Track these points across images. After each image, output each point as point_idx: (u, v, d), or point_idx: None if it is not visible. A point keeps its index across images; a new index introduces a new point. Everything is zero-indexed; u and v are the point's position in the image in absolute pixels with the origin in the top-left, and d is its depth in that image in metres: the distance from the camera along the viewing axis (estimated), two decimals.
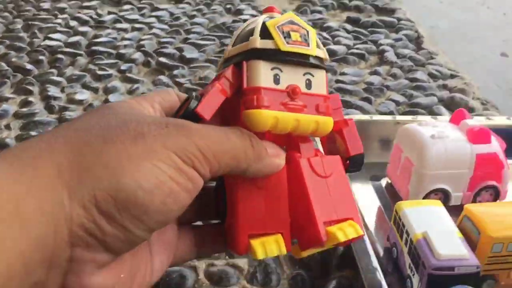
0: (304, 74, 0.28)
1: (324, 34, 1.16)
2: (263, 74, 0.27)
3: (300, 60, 0.28)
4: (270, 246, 0.26)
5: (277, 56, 0.27)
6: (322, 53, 0.29)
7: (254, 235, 0.27)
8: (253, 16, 1.27)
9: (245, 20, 1.17)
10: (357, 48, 1.09)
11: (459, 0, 1.71)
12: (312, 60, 0.28)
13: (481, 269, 0.41)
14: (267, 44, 0.27)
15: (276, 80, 0.27)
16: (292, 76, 0.28)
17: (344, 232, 0.26)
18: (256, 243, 0.26)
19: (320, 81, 0.29)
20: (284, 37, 0.27)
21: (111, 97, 0.82)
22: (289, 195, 0.28)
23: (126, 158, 0.23)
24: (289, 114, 0.27)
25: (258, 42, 0.27)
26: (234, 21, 1.20)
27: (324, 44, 1.12)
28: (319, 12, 1.30)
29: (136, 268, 0.26)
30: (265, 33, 0.27)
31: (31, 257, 0.20)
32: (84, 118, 0.26)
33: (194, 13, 1.22)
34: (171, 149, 0.24)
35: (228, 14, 1.26)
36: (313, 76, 0.29)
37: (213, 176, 0.26)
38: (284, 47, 0.27)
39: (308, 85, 0.28)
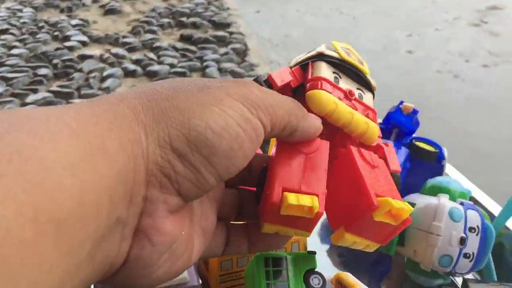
0: (357, 88, 0.31)
1: (151, 54, 1.13)
2: (326, 72, 0.29)
3: (357, 72, 0.31)
4: (303, 198, 0.26)
5: (339, 63, 0.30)
6: (373, 81, 0.32)
7: (289, 190, 0.27)
8: (82, 42, 1.23)
9: (70, 48, 1.25)
10: (181, 67, 1.06)
11: (314, 8, 1.75)
12: (366, 78, 0.31)
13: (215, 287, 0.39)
14: (332, 53, 0.30)
15: (336, 82, 0.30)
16: (347, 85, 0.30)
17: (395, 201, 0.26)
18: (289, 194, 0.26)
19: (369, 101, 0.31)
20: (346, 53, 0.31)
21: None
22: (337, 180, 0.29)
23: (195, 103, 0.24)
24: (346, 106, 0.29)
25: (324, 49, 0.30)
26: (57, 49, 1.15)
27: (148, 65, 1.09)
28: (154, 32, 1.27)
29: (188, 238, 0.26)
30: (330, 47, 0.31)
31: (116, 190, 0.20)
32: (160, 81, 0.26)
33: (16, 43, 1.15)
34: (236, 98, 0.24)
35: (55, 41, 1.20)
36: (364, 93, 0.31)
37: (272, 133, 0.26)
38: (346, 57, 0.30)
39: (360, 97, 0.30)
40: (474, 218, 0.34)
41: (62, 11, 1.44)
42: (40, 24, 1.32)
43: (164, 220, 0.23)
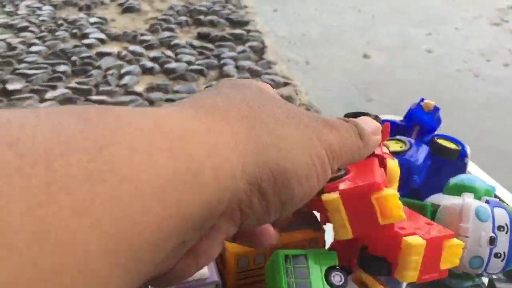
0: None
1: (169, 52, 1.13)
2: None
3: None
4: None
5: None
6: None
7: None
8: (100, 40, 1.23)
9: (89, 45, 1.26)
10: (198, 64, 1.07)
11: (331, 6, 1.74)
12: None
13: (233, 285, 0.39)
14: None
15: None
16: None
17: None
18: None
19: None
20: None
21: None
22: None
23: (292, 143, 0.24)
24: None
25: None
26: (76, 46, 1.16)
27: (166, 62, 1.09)
28: (171, 30, 1.27)
29: None
30: None
31: (195, 218, 0.20)
32: (240, 91, 0.26)
33: (35, 41, 1.16)
34: (323, 146, 0.25)
35: (74, 39, 1.21)
36: None
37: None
38: None
39: None
40: (502, 216, 0.33)
41: (80, 9, 1.45)
42: (59, 22, 1.33)
43: (216, 246, 0.24)
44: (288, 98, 0.89)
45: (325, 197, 0.28)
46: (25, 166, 0.14)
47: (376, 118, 0.31)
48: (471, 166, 0.49)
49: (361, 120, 0.30)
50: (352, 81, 1.11)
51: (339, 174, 0.29)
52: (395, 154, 0.39)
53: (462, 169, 0.46)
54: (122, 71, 1.06)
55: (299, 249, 0.31)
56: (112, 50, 1.15)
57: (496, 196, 0.45)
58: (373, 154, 0.31)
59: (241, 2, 1.49)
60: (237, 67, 1.05)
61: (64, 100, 0.93)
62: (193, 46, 1.17)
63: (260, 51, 1.14)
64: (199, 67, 1.06)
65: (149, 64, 1.08)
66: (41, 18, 1.34)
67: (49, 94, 0.95)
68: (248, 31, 1.24)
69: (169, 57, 1.12)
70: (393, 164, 0.31)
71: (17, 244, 0.13)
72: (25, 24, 1.29)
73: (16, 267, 0.13)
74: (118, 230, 0.16)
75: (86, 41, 1.20)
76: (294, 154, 0.23)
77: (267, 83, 0.81)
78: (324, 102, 0.95)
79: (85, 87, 0.98)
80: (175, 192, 0.19)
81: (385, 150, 0.32)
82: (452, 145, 0.46)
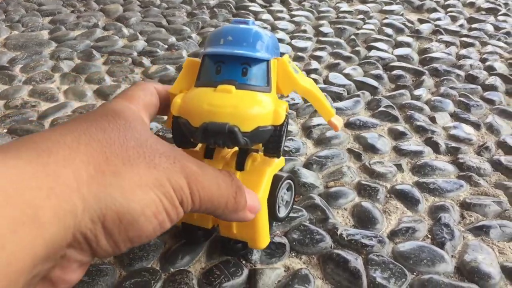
0: None
1: None
2: None
3: None
4: None
5: None
6: None
7: None
8: None
9: None
10: None
11: None
12: None
13: None
14: None
15: None
16: None
17: None
18: None
19: None
20: None
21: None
22: None
23: (138, 184, 0.25)
24: None
25: None
26: None
27: None
28: None
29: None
30: None
31: (41, 255, 0.21)
32: (103, 126, 0.27)
33: None
34: (173, 186, 0.26)
35: None
36: None
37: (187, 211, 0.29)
38: None
39: None
40: None
41: None
42: None
43: (73, 273, 0.25)
44: None
45: None
46: None
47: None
48: None
49: (249, 192, 0.32)
50: None
51: None
52: None
53: None
54: None
55: None
56: None
57: None
58: None
59: None
60: None
61: None
62: None
63: None
64: None
65: None
66: None
67: None
68: None
69: None
70: None
71: None
72: None
73: None
74: None
75: None
76: (139, 194, 0.25)
77: None
78: None
79: None
80: (14, 238, 0.20)
81: None
82: None
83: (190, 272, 0.38)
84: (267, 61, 0.33)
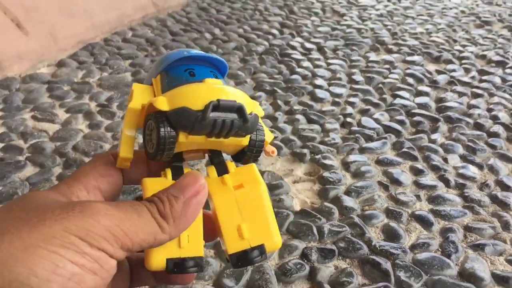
0: None
1: None
2: None
3: None
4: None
5: None
6: None
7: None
8: None
9: None
10: None
11: None
12: None
13: None
14: None
15: None
16: None
17: None
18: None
19: None
20: None
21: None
22: None
23: (20, 248, 0.22)
24: None
25: None
26: None
27: None
28: None
29: None
30: None
31: None
32: (5, 208, 0.25)
33: None
34: (74, 233, 0.23)
35: None
36: None
37: (131, 252, 0.26)
38: None
39: None
40: None
41: None
42: None
43: None
44: None
45: None
46: None
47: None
48: None
49: (177, 185, 0.28)
50: None
51: None
52: None
53: None
54: None
55: None
56: None
57: None
58: None
59: None
60: None
61: None
62: None
63: None
64: None
65: None
66: None
67: None
68: None
69: None
70: None
71: None
72: None
73: None
74: None
75: None
76: (22, 257, 0.22)
77: None
78: None
79: None
80: None
81: None
82: None
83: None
84: (223, 76, 0.33)
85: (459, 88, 1.03)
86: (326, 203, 0.66)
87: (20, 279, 0.22)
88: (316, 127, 0.85)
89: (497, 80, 1.08)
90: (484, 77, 1.09)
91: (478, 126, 0.88)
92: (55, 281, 0.22)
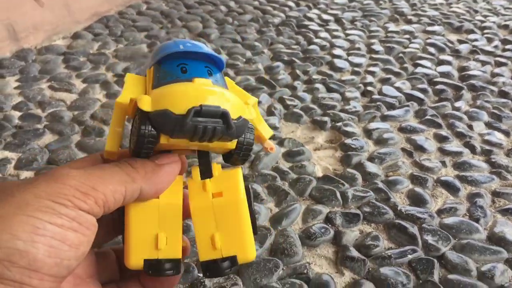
0: None
1: None
2: None
3: None
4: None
5: None
6: None
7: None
8: None
9: None
10: None
11: None
12: None
13: None
14: None
15: None
16: None
17: None
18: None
19: None
20: None
21: None
22: None
23: (12, 220, 0.23)
24: None
25: None
26: None
27: None
28: None
29: None
30: None
31: None
32: None
33: None
34: (45, 197, 0.24)
35: None
36: None
37: (110, 209, 0.26)
38: None
39: None
40: None
41: None
42: None
43: None
44: None
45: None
46: None
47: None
48: None
49: (153, 157, 0.29)
50: None
51: None
52: None
53: None
54: None
55: None
56: None
57: None
58: None
59: None
60: None
61: None
62: None
63: None
64: None
65: None
66: None
67: None
68: None
69: None
70: None
71: None
72: None
73: None
74: None
75: None
76: (2, 226, 0.23)
77: None
78: None
79: None
80: None
81: None
82: None
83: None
84: (221, 71, 0.32)
85: (482, 57, 1.00)
86: (348, 169, 0.64)
87: (6, 245, 0.22)
88: (336, 95, 0.83)
89: None
90: (508, 46, 1.06)
91: (502, 94, 0.86)
92: (39, 241, 0.23)
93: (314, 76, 0.89)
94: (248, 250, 0.31)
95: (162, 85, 0.28)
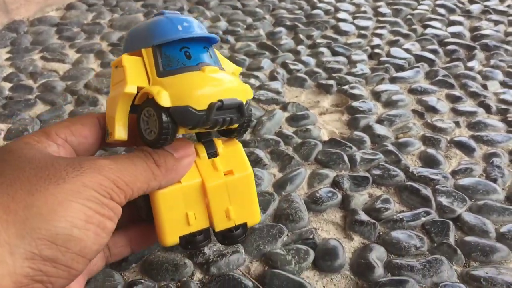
0: None
1: None
2: None
3: None
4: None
5: None
6: None
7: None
8: None
9: None
10: None
11: None
12: None
13: None
14: None
15: None
16: None
17: None
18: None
19: None
20: None
21: None
22: None
23: (56, 203, 0.25)
24: None
25: None
26: None
27: None
28: None
29: None
30: None
31: None
32: (15, 167, 0.27)
33: None
34: (91, 187, 0.26)
35: None
36: None
37: (130, 200, 0.29)
38: None
39: None
40: None
41: None
42: None
43: None
44: None
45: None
46: None
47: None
48: None
49: (171, 146, 0.31)
50: None
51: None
52: None
53: None
54: None
55: None
56: None
57: None
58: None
59: None
60: None
61: None
62: None
63: None
64: None
65: None
66: None
67: None
68: None
69: None
70: None
71: None
72: None
73: None
74: None
75: None
76: (61, 211, 0.24)
77: None
78: None
79: None
80: None
81: None
82: None
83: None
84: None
85: (494, 16, 0.95)
86: (356, 132, 0.61)
87: (65, 232, 0.25)
88: (342, 59, 0.79)
89: None
90: None
91: None
92: (90, 229, 0.26)
93: (319, 40, 0.85)
94: (256, 215, 0.36)
95: (169, 73, 0.30)
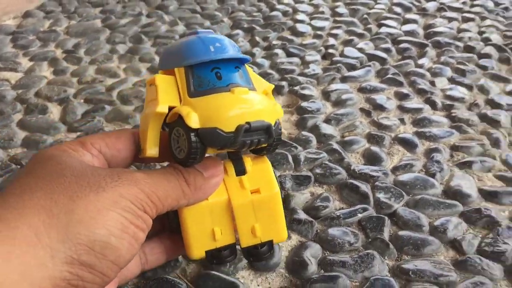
0: None
1: None
2: None
3: None
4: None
5: None
6: None
7: None
8: None
9: None
10: None
11: None
12: None
13: None
14: None
15: None
16: None
17: None
18: None
19: None
20: None
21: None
22: None
23: (95, 211, 0.26)
24: None
25: None
26: None
27: None
28: None
29: None
30: None
31: None
32: (38, 173, 0.28)
33: None
34: (128, 198, 0.27)
35: None
36: None
37: (159, 214, 0.31)
38: None
39: None
40: None
41: None
42: None
43: None
44: None
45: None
46: None
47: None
48: None
49: (201, 165, 0.32)
50: None
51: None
52: None
53: None
54: None
55: None
56: None
57: None
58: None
59: None
60: None
61: None
62: None
63: None
64: None
65: None
66: None
67: None
68: None
69: None
70: None
71: None
72: None
73: None
74: None
75: None
76: (100, 218, 0.25)
77: None
78: None
79: None
80: None
81: None
82: None
83: None
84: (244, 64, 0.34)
85: (449, 13, 0.97)
86: (303, 132, 0.62)
87: (103, 239, 0.25)
88: (296, 60, 0.80)
89: (490, 4, 1.02)
90: (476, 2, 1.03)
91: (468, 49, 0.83)
92: (125, 238, 0.27)
93: (274, 42, 0.86)
94: (283, 233, 0.36)
95: (200, 94, 0.30)
